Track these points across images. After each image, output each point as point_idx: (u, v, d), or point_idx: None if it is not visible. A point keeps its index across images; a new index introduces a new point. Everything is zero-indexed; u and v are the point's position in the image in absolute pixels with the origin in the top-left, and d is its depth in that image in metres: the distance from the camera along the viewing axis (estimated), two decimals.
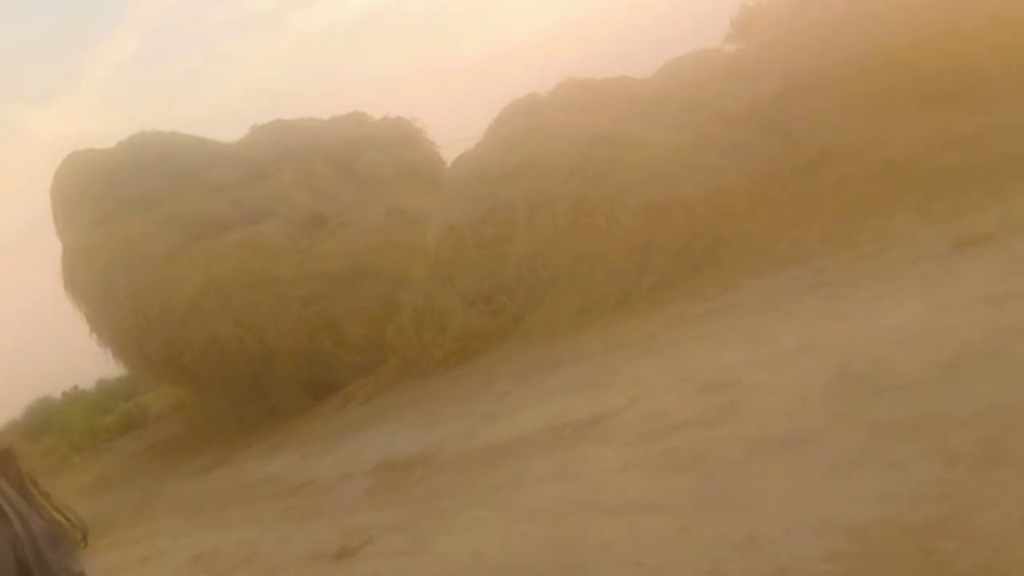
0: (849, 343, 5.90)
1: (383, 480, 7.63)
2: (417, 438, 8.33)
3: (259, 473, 10.13)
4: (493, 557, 4.99)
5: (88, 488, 13.04)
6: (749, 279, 8.00)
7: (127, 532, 9.24)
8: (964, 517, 3.57)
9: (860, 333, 5.98)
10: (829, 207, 8.67)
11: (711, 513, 4.40)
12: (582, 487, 5.44)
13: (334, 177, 15.02)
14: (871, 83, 9.04)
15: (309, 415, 11.92)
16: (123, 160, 15.37)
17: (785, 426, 5.03)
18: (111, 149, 15.88)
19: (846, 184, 8.76)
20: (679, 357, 7.00)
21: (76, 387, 24.29)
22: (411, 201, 13.90)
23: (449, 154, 14.87)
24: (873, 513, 3.87)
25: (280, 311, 13.15)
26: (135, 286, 13.83)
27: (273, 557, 6.86)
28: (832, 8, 10.02)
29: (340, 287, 13.27)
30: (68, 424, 19.57)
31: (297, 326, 13.06)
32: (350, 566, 5.91)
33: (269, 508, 8.51)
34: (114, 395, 21.93)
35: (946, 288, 6.10)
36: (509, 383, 8.59)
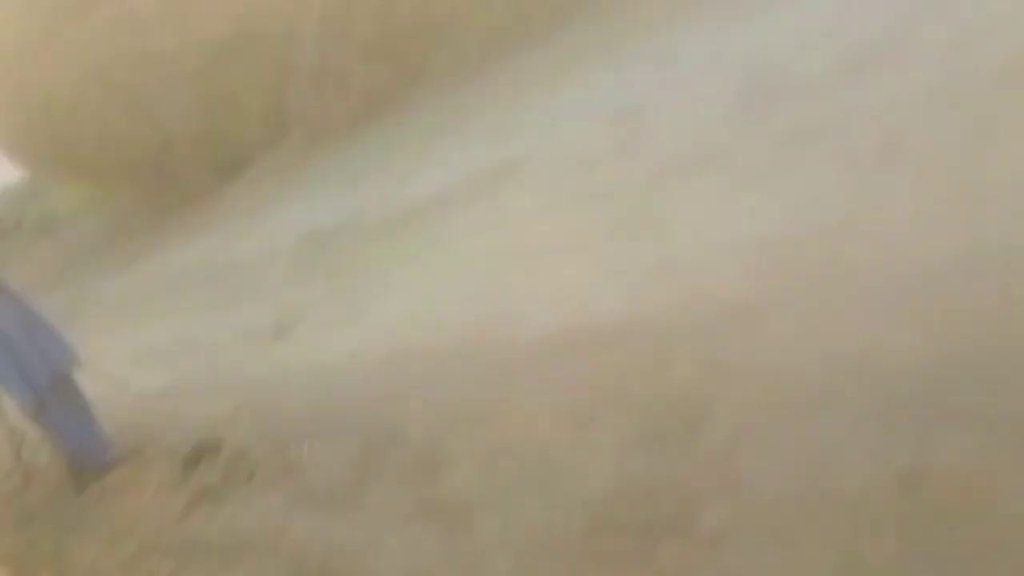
0: (752, 52, 5.84)
1: (308, 253, 7.61)
2: (335, 207, 8.24)
3: (182, 261, 10.03)
4: (428, 316, 5.10)
5: None
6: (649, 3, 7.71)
7: None
8: (866, 217, 3.69)
9: (764, 39, 5.90)
10: None
11: (626, 244, 4.51)
12: (503, 236, 5.50)
13: None
14: None
15: (221, 195, 11.64)
16: None
17: (691, 148, 5.08)
18: None
19: None
20: (585, 90, 6.88)
21: None
22: None
23: None
24: (782, 224, 3.98)
25: (171, 90, 12.39)
26: (10, 78, 12.85)
27: (211, 341, 6.95)
28: None
29: (230, 56, 12.44)
30: None
31: (191, 105, 12.38)
32: (290, 341, 6.02)
33: (199, 293, 8.52)
34: (17, 199, 21.07)
35: None
36: (420, 137, 8.41)
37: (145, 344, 7.87)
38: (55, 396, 5.31)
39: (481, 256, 5.45)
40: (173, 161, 12.70)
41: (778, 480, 2.56)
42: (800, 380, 2.91)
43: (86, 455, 5.46)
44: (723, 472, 2.72)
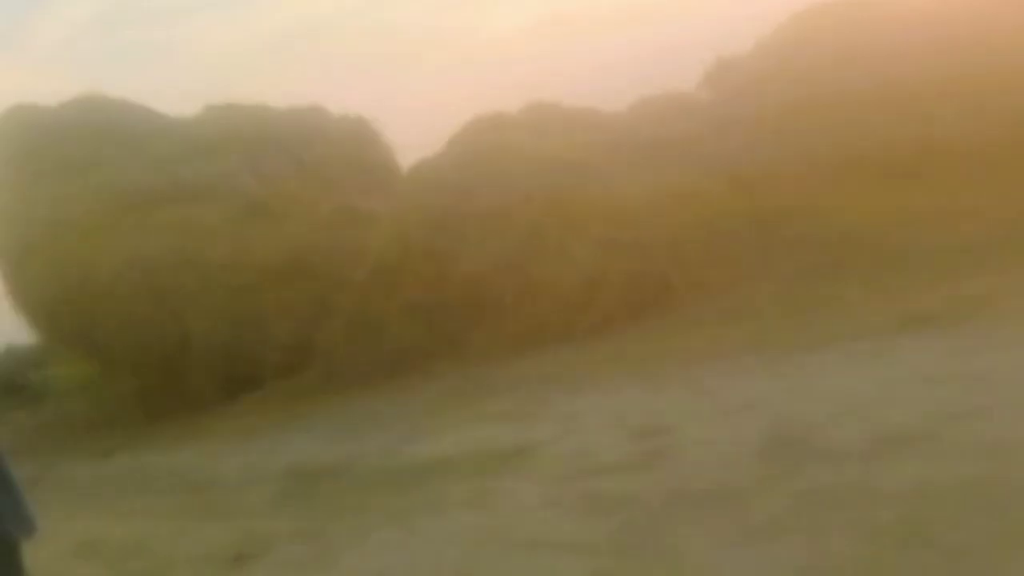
0: (786, 406, 5.88)
1: (292, 487, 7.37)
2: (333, 448, 8.10)
3: (161, 464, 9.76)
4: None
5: None
6: (694, 328, 8.00)
7: None
8: None
9: (798, 398, 5.97)
10: (782, 267, 8.73)
11: (628, 560, 4.29)
12: (499, 519, 5.29)
13: (282, 166, 14.64)
14: (837, 149, 9.14)
15: (223, 410, 11.53)
16: (64, 120, 14.81)
17: (712, 481, 4.96)
18: (53, 108, 15.28)
19: (802, 246, 8.84)
20: (614, 397, 6.92)
21: None
22: (360, 201, 13.62)
23: (407, 159, 14.67)
24: None
25: (205, 297, 12.72)
26: (56, 252, 13.29)
27: (164, 553, 6.54)
28: (806, 65, 10.15)
29: (273, 281, 12.89)
30: None
31: (222, 315, 12.64)
32: (246, 573, 5.62)
33: (167, 502, 8.18)
34: (21, 363, 21.02)
35: (888, 363, 6.14)
36: (437, 403, 8.42)
37: (94, 536, 7.44)
38: None
39: (471, 534, 5.19)
40: (185, 365, 12.75)
41: None
42: None
43: None
44: None
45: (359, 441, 8.04)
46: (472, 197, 10.76)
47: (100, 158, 14.24)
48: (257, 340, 12.53)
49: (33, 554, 5.19)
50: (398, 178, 14.21)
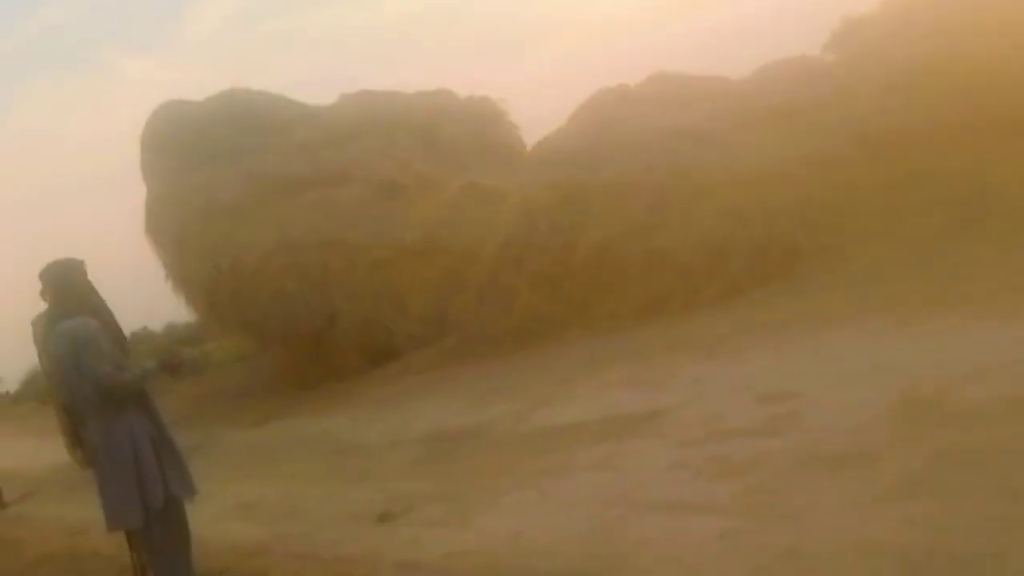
0: (919, 369, 5.74)
1: (430, 451, 7.69)
2: (468, 414, 8.37)
3: (311, 430, 10.30)
4: (531, 540, 4.99)
5: None
6: (823, 293, 7.84)
7: None
8: (1017, 553, 3.45)
9: (930, 360, 5.81)
10: (913, 230, 8.42)
11: (757, 521, 4.32)
12: (628, 481, 5.40)
13: (414, 148, 15.09)
14: (967, 109, 8.72)
15: (365, 379, 12.06)
16: (212, 113, 15.69)
17: (843, 444, 4.92)
18: (202, 102, 16.22)
19: (933, 208, 8.50)
20: (741, 363, 6.89)
21: (145, 328, 25.03)
22: (488, 179, 13.90)
23: (531, 136, 14.85)
24: (924, 541, 3.76)
25: (348, 274, 13.32)
26: (210, 237, 14.14)
27: (316, 513, 6.97)
28: (935, 25, 9.69)
29: (409, 257, 13.36)
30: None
31: (362, 291, 13.21)
32: (390, 530, 5.97)
33: (317, 466, 8.65)
34: (181, 339, 22.53)
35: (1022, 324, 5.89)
36: (567, 370, 8.57)
37: (252, 498, 7.99)
38: (162, 520, 5.42)
39: (600, 495, 5.35)
40: (330, 338, 13.39)
41: None
42: None
43: None
44: None
45: (492, 407, 8.27)
46: (596, 170, 10.81)
47: (246, 147, 14.98)
48: (396, 313, 13.04)
49: (197, 514, 5.73)
50: (524, 155, 14.41)
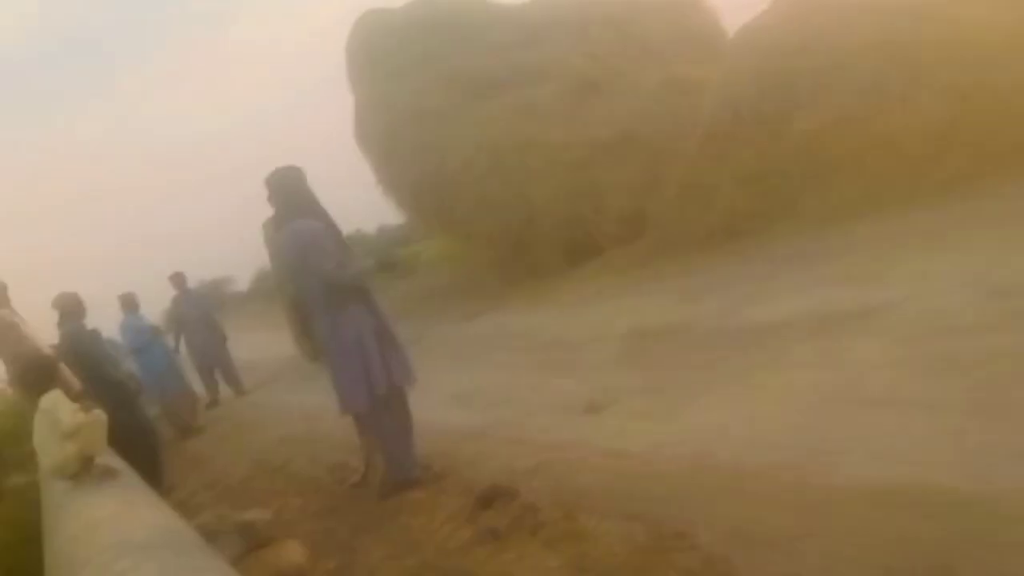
0: None
1: (634, 347, 7.76)
2: (671, 311, 8.34)
3: (517, 325, 10.63)
4: (739, 434, 4.98)
5: None
6: None
7: None
8: None
9: None
10: None
11: (985, 420, 4.11)
12: (842, 377, 5.24)
13: (610, 42, 14.80)
14: None
15: (566, 277, 12.25)
16: (411, 19, 16.04)
17: None
18: (401, 8, 16.62)
19: None
20: (969, 256, 6.42)
21: (359, 230, 26.53)
22: (687, 71, 13.46)
23: (732, 23, 14.15)
24: None
25: (547, 175, 13.44)
26: (416, 141, 14.64)
27: (527, 402, 7.27)
28: None
29: (607, 155, 13.28)
30: None
31: (561, 190, 13.32)
32: (598, 420, 6.14)
33: (525, 358, 8.97)
34: (393, 241, 23.74)
35: None
36: (774, 267, 8.31)
37: (466, 388, 8.43)
38: (386, 406, 5.85)
39: (813, 391, 5.23)
40: (532, 236, 13.67)
41: None
42: None
43: (396, 467, 5.93)
44: None
45: (696, 304, 8.20)
46: (803, 54, 10.17)
47: (445, 51, 15.26)
48: (594, 212, 13.09)
49: (417, 401, 6.12)
50: (725, 43, 13.78)
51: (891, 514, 3.62)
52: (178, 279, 13.65)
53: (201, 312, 13.66)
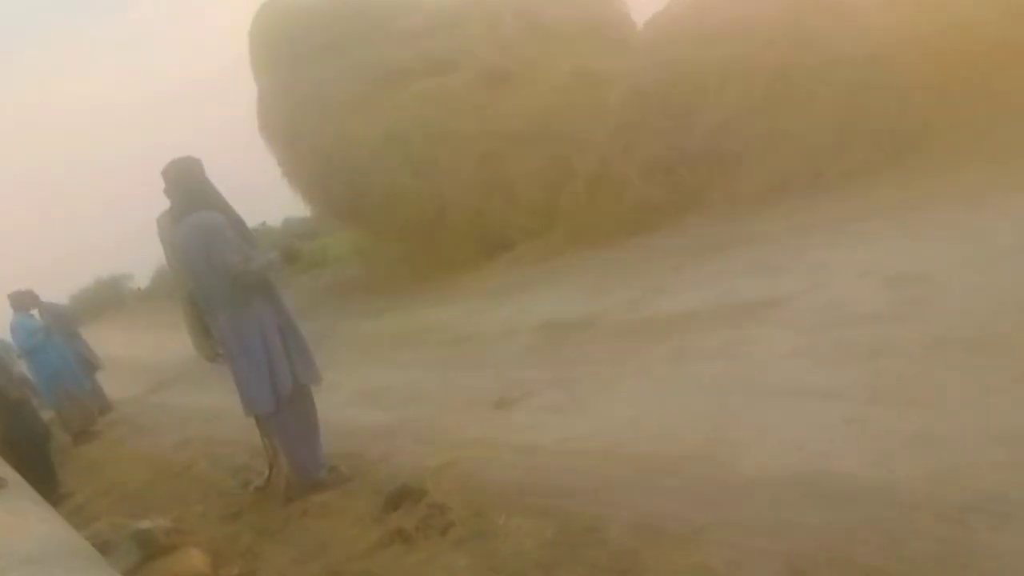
0: None
1: (546, 339, 7.75)
2: (582, 303, 8.37)
3: (428, 320, 10.53)
4: (650, 426, 5.00)
5: None
6: (957, 171, 7.35)
7: None
8: None
9: None
10: None
11: (883, 407, 4.20)
12: (747, 367, 5.31)
13: (520, 31, 14.73)
14: None
15: (478, 270, 12.20)
16: (316, 6, 15.66)
17: (976, 328, 4.68)
18: None
19: None
20: (868, 247, 6.59)
21: (264, 223, 25.92)
22: (598, 62, 13.49)
23: (641, 14, 14.26)
24: None
25: (457, 166, 13.32)
26: (322, 131, 14.32)
27: (436, 399, 7.18)
28: None
29: (517, 147, 13.23)
30: None
31: (472, 182, 13.22)
32: (508, 415, 6.10)
33: (436, 353, 8.88)
34: (298, 234, 23.25)
35: None
36: (682, 258, 8.41)
37: (374, 385, 8.30)
38: (291, 406, 5.68)
39: (718, 382, 5.28)
40: (442, 230, 13.54)
41: None
42: None
43: (302, 469, 5.77)
44: None
45: (605, 296, 8.24)
46: (711, 45, 10.30)
47: (352, 39, 14.93)
48: (506, 204, 13.04)
49: (323, 400, 5.96)
50: (634, 35, 13.88)
51: (794, 503, 3.66)
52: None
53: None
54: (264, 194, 17.47)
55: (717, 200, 9.74)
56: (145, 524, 5.51)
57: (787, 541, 3.38)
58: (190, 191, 5.58)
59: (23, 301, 11.58)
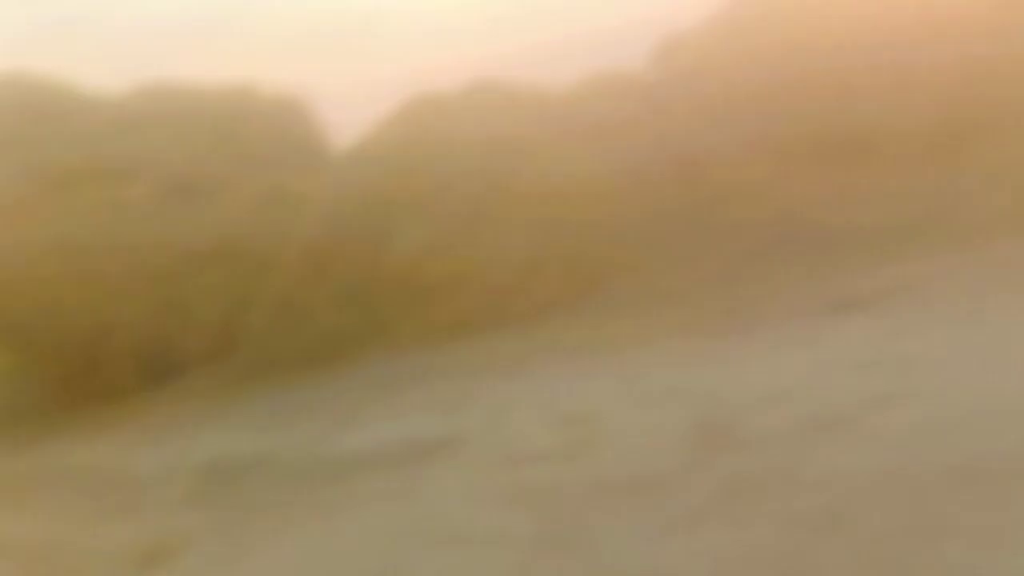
0: (713, 392, 5.85)
1: (211, 481, 7.14)
2: (256, 439, 7.87)
3: (78, 458, 9.44)
4: None
5: None
6: (630, 313, 7.91)
7: None
8: None
9: (725, 383, 5.94)
10: (721, 250, 8.66)
11: (548, 554, 4.18)
12: (422, 513, 5.14)
13: (214, 144, 14.20)
14: (778, 132, 9.06)
15: (145, 399, 11.19)
16: None
17: (636, 469, 4.91)
18: None
19: (741, 229, 8.77)
20: (544, 385, 6.80)
21: None
22: (290, 180, 13.26)
23: (342, 139, 14.33)
24: (710, 572, 3.71)
25: (129, 282, 12.31)
26: None
27: (75, 553, 6.26)
28: (749, 55, 10.03)
29: (200, 264, 12.51)
30: None
31: (144, 301, 12.26)
32: (157, 573, 5.38)
33: (81, 499, 7.89)
34: None
35: (816, 348, 6.13)
36: (365, 392, 8.23)
37: (9, 536, 7.10)
38: None
39: (393, 529, 5.04)
40: (106, 351, 12.34)
41: None
42: None
43: None
44: None
45: (283, 432, 7.82)
46: (408, 177, 10.47)
47: (21, 137, 13.69)
48: (181, 326, 12.17)
49: None
50: (330, 158, 13.88)
51: None
52: None
53: None
54: None
55: (406, 332, 9.69)
56: None
57: None
58: None
59: None
